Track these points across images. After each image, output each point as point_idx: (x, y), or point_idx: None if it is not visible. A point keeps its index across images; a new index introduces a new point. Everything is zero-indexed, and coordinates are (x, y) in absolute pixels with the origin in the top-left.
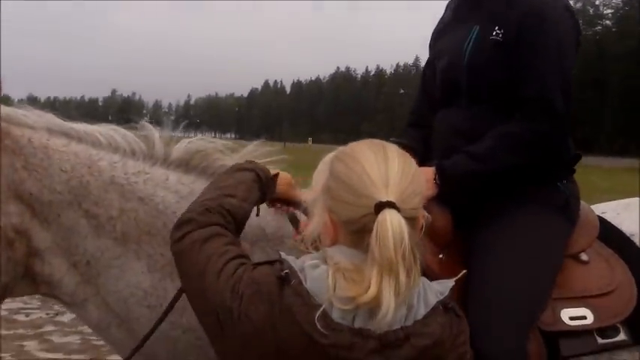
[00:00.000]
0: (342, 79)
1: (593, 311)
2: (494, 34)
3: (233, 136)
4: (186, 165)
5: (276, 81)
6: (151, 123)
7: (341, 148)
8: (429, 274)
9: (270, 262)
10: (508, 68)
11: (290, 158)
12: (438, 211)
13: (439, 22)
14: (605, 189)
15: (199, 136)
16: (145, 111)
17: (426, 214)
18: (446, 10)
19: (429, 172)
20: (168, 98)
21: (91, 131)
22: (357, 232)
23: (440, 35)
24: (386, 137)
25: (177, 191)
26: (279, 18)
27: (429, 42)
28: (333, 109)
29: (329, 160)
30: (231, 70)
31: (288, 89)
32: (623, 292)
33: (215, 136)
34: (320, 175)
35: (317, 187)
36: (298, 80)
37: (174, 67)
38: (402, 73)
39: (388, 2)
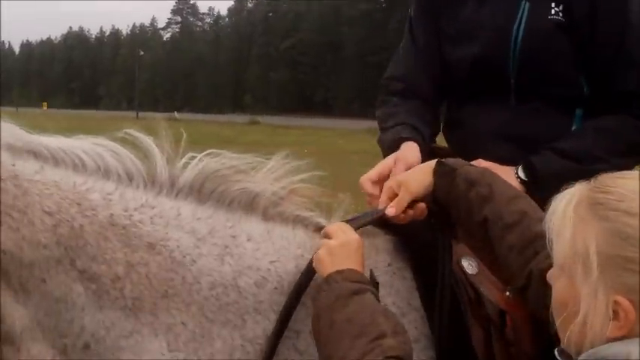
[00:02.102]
0: (76, 39)
1: None
2: (552, 12)
3: None
4: (198, 192)
5: (3, 42)
6: None
7: (598, 195)
8: (496, 312)
9: None
10: (571, 55)
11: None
12: None
13: None
14: (352, 151)
15: (210, 151)
16: None
17: None
18: None
19: (508, 170)
20: None
21: (69, 148)
22: None
23: (454, 4)
24: (125, 100)
25: (193, 230)
26: None
27: (420, 5)
28: (67, 71)
29: (589, 215)
30: None
31: (17, 50)
32: None
33: None
34: (577, 242)
35: (576, 263)
36: (28, 41)
37: None
38: (139, 34)
39: None
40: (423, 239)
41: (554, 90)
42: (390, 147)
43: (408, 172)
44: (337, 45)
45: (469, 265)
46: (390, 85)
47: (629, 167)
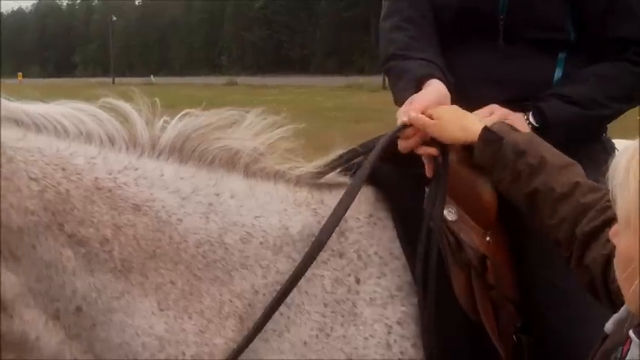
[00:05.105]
0: (47, 8)
1: None
2: None
3: None
4: (179, 152)
5: None
6: None
7: None
8: (477, 257)
9: None
10: (562, 1)
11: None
12: (483, 186)
13: None
14: (331, 108)
15: (187, 111)
16: None
17: None
18: None
19: (519, 116)
20: None
21: (50, 114)
22: None
23: None
24: (100, 67)
25: (178, 190)
26: None
27: None
28: (40, 41)
29: None
30: None
31: None
32: None
33: None
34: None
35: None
36: None
37: None
38: (111, 1)
39: None
40: (403, 189)
41: (542, 34)
42: (419, 77)
43: (451, 117)
44: (311, 2)
45: (449, 212)
46: (403, 11)
47: (624, 111)
